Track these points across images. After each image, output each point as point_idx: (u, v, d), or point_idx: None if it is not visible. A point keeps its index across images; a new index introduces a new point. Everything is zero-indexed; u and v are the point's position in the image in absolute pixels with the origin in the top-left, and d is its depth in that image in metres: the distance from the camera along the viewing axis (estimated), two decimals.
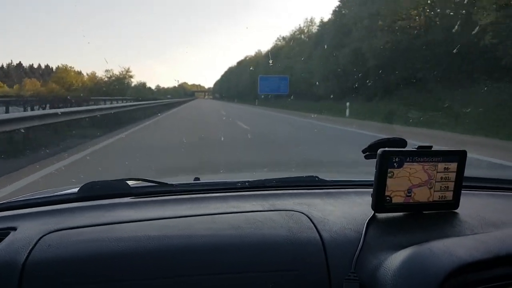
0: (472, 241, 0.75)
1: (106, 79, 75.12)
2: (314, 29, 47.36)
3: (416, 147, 0.87)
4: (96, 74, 74.61)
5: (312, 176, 1.19)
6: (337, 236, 0.80)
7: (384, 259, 0.72)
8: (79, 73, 72.10)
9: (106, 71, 73.86)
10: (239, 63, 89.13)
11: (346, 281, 0.71)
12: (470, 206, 0.95)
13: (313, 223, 0.84)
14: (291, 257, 0.75)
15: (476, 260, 0.68)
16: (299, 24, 48.91)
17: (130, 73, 75.95)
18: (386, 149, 0.85)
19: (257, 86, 52.85)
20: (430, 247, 0.72)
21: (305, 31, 48.33)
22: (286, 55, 47.77)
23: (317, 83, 30.95)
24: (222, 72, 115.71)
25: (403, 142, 0.92)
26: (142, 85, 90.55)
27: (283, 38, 59.55)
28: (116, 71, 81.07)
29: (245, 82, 69.28)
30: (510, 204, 1.05)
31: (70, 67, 68.55)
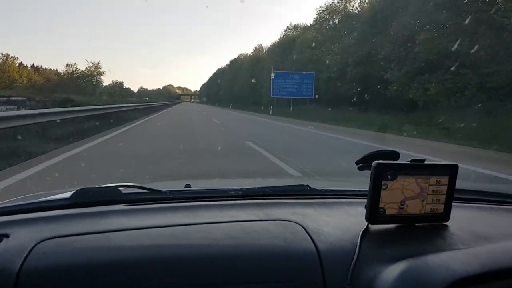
0: (466, 255, 0.77)
1: (67, 75, 60.23)
2: (353, 6, 33.60)
3: (409, 160, 0.88)
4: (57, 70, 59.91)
5: (303, 185, 1.19)
6: (332, 247, 0.80)
7: (379, 271, 0.73)
8: (26, 66, 56.28)
9: (68, 65, 58.79)
10: (232, 62, 75.33)
11: None
12: (460, 218, 0.96)
13: (308, 233, 0.84)
14: (288, 268, 0.76)
15: (470, 274, 0.70)
16: (331, 1, 35.03)
17: (100, 69, 60.88)
18: (381, 161, 0.85)
19: (267, 87, 39.13)
20: (426, 261, 0.73)
21: (340, 8, 34.34)
22: (307, 45, 33.70)
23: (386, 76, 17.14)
24: (211, 74, 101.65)
25: (396, 155, 0.93)
26: (118, 85, 75.37)
27: (295, 27, 45.71)
28: (83, 66, 65.77)
29: (242, 84, 55.52)
30: (497, 217, 1.06)
31: (13, 57, 53.01)
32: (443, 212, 0.90)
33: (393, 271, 0.71)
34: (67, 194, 1.00)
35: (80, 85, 54.85)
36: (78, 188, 1.00)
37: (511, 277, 0.72)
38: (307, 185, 1.17)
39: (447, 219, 0.91)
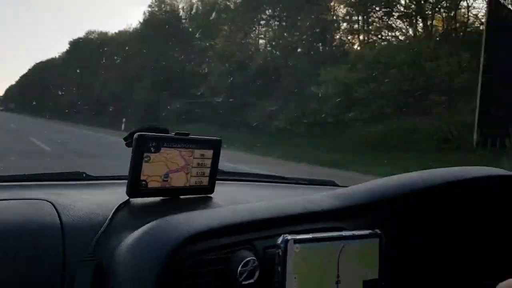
0: (211, 213, 0.83)
1: None
2: None
3: (174, 133, 0.90)
4: None
5: (79, 172, 1.15)
6: (79, 221, 0.79)
7: (124, 237, 0.74)
8: None
9: None
10: (75, 45, 49.55)
11: (81, 263, 0.71)
12: (225, 192, 1.03)
13: (56, 209, 0.81)
14: (26, 245, 0.73)
15: (210, 228, 0.73)
16: None
17: None
18: (143, 133, 0.86)
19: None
20: (167, 220, 0.75)
21: None
22: None
23: None
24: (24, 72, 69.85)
25: (165, 131, 0.94)
26: None
27: None
28: None
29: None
30: (259, 191, 1.22)
31: None
32: (208, 184, 0.95)
33: (135, 234, 0.72)
34: None
35: None
36: None
37: (240, 231, 0.77)
38: (84, 172, 1.15)
39: (212, 191, 0.96)
